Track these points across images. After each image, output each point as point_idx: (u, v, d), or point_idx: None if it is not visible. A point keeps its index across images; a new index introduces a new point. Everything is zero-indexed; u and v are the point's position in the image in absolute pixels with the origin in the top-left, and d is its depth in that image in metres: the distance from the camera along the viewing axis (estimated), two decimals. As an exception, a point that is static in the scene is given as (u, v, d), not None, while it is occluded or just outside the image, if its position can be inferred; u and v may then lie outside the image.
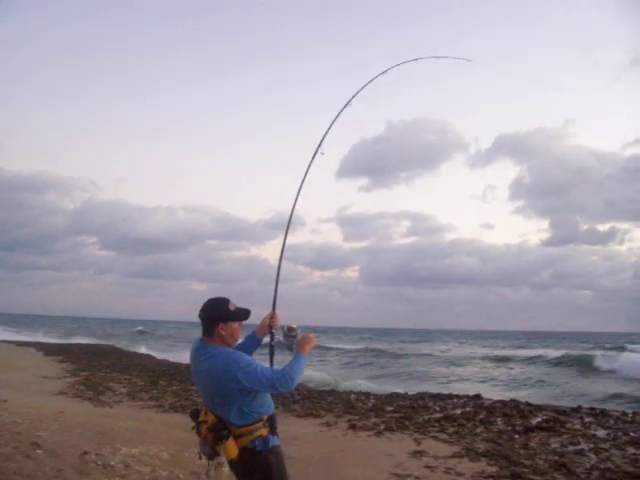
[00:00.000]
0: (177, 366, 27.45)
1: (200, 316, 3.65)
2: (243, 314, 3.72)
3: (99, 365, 25.00)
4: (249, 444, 3.48)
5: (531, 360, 40.35)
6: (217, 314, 3.62)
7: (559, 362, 37.27)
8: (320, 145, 5.04)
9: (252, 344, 4.11)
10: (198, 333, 3.72)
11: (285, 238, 4.62)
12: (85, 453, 6.78)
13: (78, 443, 7.35)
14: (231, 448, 3.44)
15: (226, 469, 3.47)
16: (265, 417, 3.57)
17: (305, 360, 3.72)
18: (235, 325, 3.67)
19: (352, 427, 11.66)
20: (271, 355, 4.12)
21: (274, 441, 3.58)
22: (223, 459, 3.46)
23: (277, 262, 4.44)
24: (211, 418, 3.50)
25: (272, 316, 4.13)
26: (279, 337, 4.12)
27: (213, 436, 3.46)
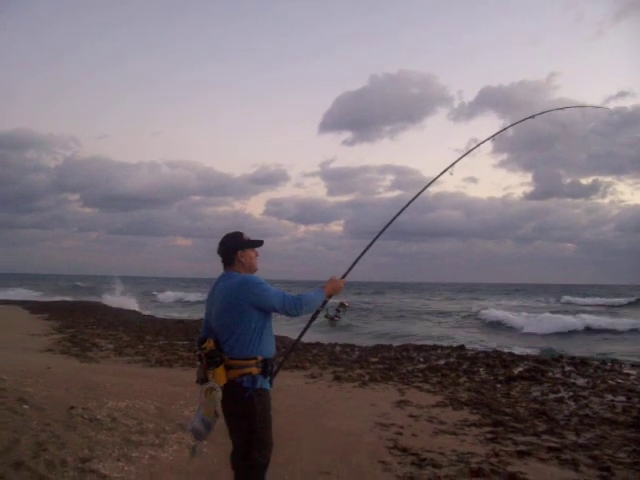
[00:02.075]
0: (163, 321, 27.62)
1: (219, 251, 3.96)
2: (257, 242, 4.02)
3: (85, 322, 25.07)
4: (237, 378, 3.61)
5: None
6: (234, 243, 3.93)
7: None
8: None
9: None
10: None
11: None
12: (72, 408, 6.81)
13: (65, 398, 7.38)
14: (220, 375, 3.58)
15: (219, 393, 3.55)
16: (260, 358, 3.68)
17: (323, 297, 4.01)
18: (252, 253, 3.98)
19: (337, 379, 11.80)
20: (313, 317, 4.34)
21: (264, 383, 3.69)
22: (216, 385, 3.56)
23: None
24: (210, 345, 3.65)
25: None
26: (329, 308, 4.30)
27: (206, 361, 3.62)
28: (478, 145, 6.02)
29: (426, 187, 5.49)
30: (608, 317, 30.91)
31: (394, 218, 5.16)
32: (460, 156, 5.72)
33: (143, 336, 19.84)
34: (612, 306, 50.96)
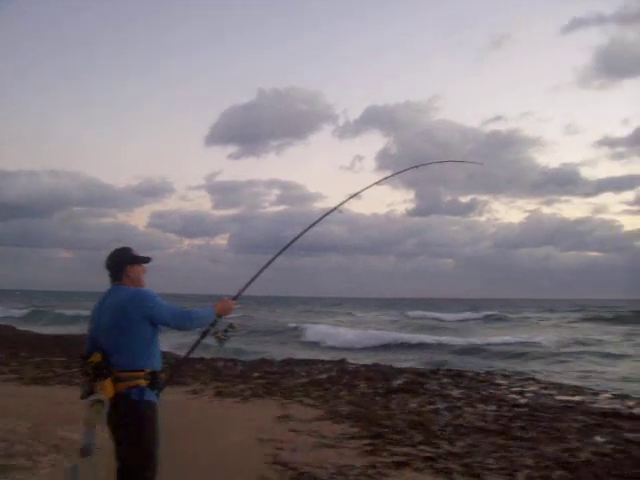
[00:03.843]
0: (39, 337, 26.52)
1: (107, 264, 3.93)
2: (145, 258, 4.01)
3: (-48, 338, 23.67)
4: (125, 390, 3.58)
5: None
6: (123, 257, 3.90)
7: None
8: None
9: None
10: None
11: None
12: None
13: None
14: (108, 387, 3.52)
15: (106, 405, 3.48)
16: (149, 370, 3.68)
17: (213, 316, 4.09)
18: (140, 269, 3.96)
19: (219, 394, 11.73)
20: (202, 335, 4.39)
21: (151, 396, 3.70)
22: (103, 397, 3.49)
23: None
24: (97, 358, 3.58)
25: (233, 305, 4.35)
26: (218, 327, 4.31)
27: (93, 373, 3.55)
28: (366, 188, 6.37)
29: (315, 223, 5.74)
30: (422, 333, 31.28)
31: (284, 248, 5.34)
32: (349, 197, 6.16)
33: (17, 352, 18.91)
34: (452, 321, 50.77)
